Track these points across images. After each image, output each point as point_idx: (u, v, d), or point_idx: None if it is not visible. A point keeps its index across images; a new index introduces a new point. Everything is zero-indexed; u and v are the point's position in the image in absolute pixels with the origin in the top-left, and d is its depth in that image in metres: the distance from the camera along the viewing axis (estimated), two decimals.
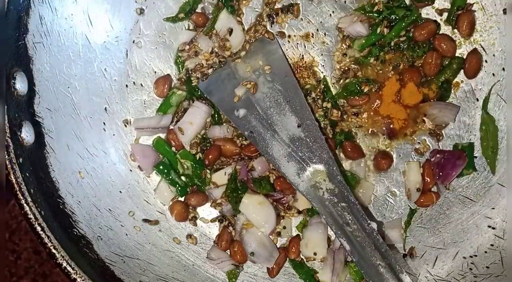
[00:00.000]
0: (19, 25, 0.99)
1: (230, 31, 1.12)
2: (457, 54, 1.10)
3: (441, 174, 1.08)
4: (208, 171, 1.13)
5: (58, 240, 0.94)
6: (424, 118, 1.11)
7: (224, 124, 1.14)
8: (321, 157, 1.04)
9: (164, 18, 1.14)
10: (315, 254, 1.10)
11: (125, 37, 1.14)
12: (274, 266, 1.11)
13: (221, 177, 1.12)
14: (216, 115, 1.14)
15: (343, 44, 1.13)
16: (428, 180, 1.10)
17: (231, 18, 1.13)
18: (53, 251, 0.93)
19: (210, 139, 1.13)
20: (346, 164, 1.13)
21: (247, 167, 1.11)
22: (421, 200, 1.10)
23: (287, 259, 1.13)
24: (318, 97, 1.13)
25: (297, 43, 1.14)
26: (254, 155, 1.12)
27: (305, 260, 1.12)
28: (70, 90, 1.08)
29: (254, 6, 1.14)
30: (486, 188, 1.10)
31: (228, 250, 1.12)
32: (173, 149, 1.13)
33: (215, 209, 1.14)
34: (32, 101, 1.01)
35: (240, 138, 1.13)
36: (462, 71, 1.10)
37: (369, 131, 1.12)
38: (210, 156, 1.11)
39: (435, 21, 1.10)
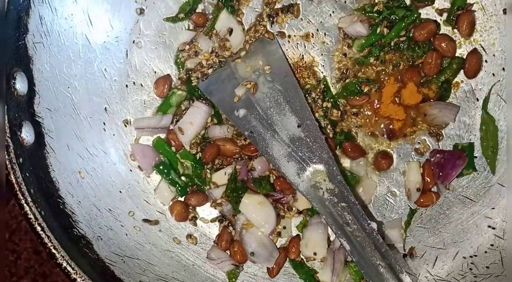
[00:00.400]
0: (19, 25, 0.99)
1: (230, 31, 1.12)
2: (457, 54, 1.10)
3: (441, 174, 1.08)
4: (208, 171, 1.13)
5: (58, 240, 0.94)
6: (424, 118, 1.11)
7: (224, 124, 1.14)
8: (321, 157, 1.04)
9: (164, 18, 1.14)
10: (315, 254, 1.10)
11: (125, 37, 1.14)
12: (274, 266, 1.11)
13: (221, 177, 1.12)
14: (216, 115, 1.14)
15: (343, 44, 1.13)
16: (428, 180, 1.10)
17: (231, 18, 1.13)
18: (53, 251, 0.93)
19: (210, 139, 1.13)
20: (346, 164, 1.13)
21: (247, 167, 1.11)
22: (421, 200, 1.10)
23: (287, 259, 1.13)
24: (318, 97, 1.13)
25: (297, 43, 1.14)
26: (254, 155, 1.12)
27: (305, 260, 1.12)
28: (70, 90, 1.08)
29: (254, 6, 1.14)
30: (486, 188, 1.10)
31: (228, 250, 1.12)
32: (173, 149, 1.13)
33: (215, 209, 1.14)
34: (32, 101, 1.01)
35: (240, 137, 1.13)
36: (462, 71, 1.10)
37: (369, 132, 1.12)
38: (208, 154, 1.12)
39: (435, 21, 1.10)
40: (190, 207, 1.13)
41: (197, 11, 1.14)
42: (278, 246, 1.12)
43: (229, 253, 1.12)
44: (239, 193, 1.10)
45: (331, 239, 1.12)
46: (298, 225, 1.13)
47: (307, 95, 1.12)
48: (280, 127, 1.07)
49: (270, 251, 1.10)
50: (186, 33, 1.14)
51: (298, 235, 1.13)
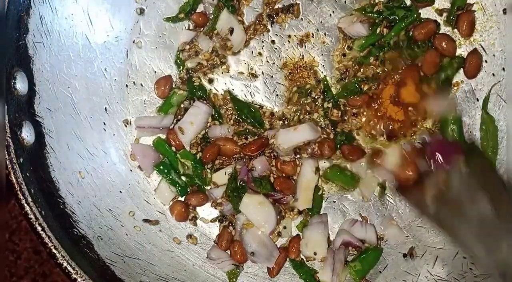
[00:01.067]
0: (19, 25, 0.99)
1: (231, 31, 1.12)
2: (457, 54, 1.10)
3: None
4: (208, 171, 1.13)
5: (58, 240, 0.94)
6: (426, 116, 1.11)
7: (224, 124, 1.14)
8: None
9: (164, 18, 1.14)
10: (315, 253, 1.10)
11: (125, 37, 1.13)
12: (275, 266, 1.11)
13: (221, 177, 1.12)
14: (216, 115, 1.14)
15: (343, 44, 1.13)
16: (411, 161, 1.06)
17: (232, 17, 1.13)
18: (54, 251, 0.93)
19: (210, 139, 1.13)
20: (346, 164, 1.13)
21: (247, 167, 1.11)
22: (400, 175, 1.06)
23: (287, 259, 1.13)
24: (318, 97, 1.13)
25: (297, 43, 1.14)
26: (254, 155, 1.12)
27: (305, 260, 1.12)
28: (70, 90, 1.08)
29: (255, 6, 1.14)
30: None
31: (229, 250, 1.12)
32: (173, 148, 1.13)
33: (215, 208, 1.14)
34: (32, 101, 1.01)
35: (240, 137, 1.13)
36: (462, 71, 1.10)
37: (369, 132, 1.12)
38: (207, 154, 1.11)
39: (435, 21, 1.10)
40: (190, 207, 1.13)
41: (197, 11, 1.14)
42: (278, 246, 1.12)
43: (229, 253, 1.12)
44: (239, 192, 1.10)
45: (331, 239, 1.12)
46: (298, 225, 1.13)
47: (307, 95, 1.12)
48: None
49: (271, 250, 1.10)
50: (186, 33, 1.14)
51: (298, 234, 1.13)
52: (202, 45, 1.13)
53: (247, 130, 1.14)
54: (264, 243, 1.10)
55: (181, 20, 1.14)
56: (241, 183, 1.11)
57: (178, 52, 1.14)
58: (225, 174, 1.12)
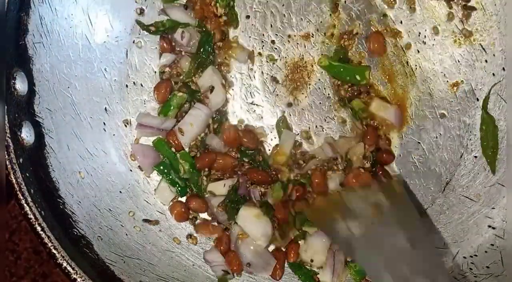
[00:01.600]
0: (19, 25, 0.99)
1: (211, 89, 1.11)
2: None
3: None
4: (204, 178, 1.11)
5: (58, 240, 0.94)
6: None
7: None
8: None
9: (148, 24, 1.12)
10: (312, 260, 1.09)
11: (125, 37, 1.13)
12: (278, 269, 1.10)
13: (219, 188, 1.11)
14: (216, 122, 1.13)
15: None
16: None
17: (215, 77, 1.10)
18: (53, 251, 0.93)
19: (207, 146, 1.12)
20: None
21: (247, 187, 1.11)
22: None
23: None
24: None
25: (297, 43, 1.14)
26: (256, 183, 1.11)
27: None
28: (70, 90, 1.08)
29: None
30: (486, 187, 1.10)
31: (227, 256, 1.10)
32: (173, 149, 1.12)
33: (210, 217, 1.13)
34: (32, 101, 1.01)
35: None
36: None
37: None
38: (201, 160, 1.10)
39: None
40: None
41: (169, 36, 1.12)
42: (275, 247, 1.12)
43: (225, 261, 1.10)
44: (237, 204, 1.09)
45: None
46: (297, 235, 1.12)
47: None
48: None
49: (267, 260, 1.09)
50: (166, 56, 1.13)
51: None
52: (184, 67, 1.12)
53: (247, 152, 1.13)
54: (259, 254, 1.08)
55: (153, 33, 1.12)
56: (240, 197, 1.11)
57: (159, 74, 1.13)
58: (224, 186, 1.10)
